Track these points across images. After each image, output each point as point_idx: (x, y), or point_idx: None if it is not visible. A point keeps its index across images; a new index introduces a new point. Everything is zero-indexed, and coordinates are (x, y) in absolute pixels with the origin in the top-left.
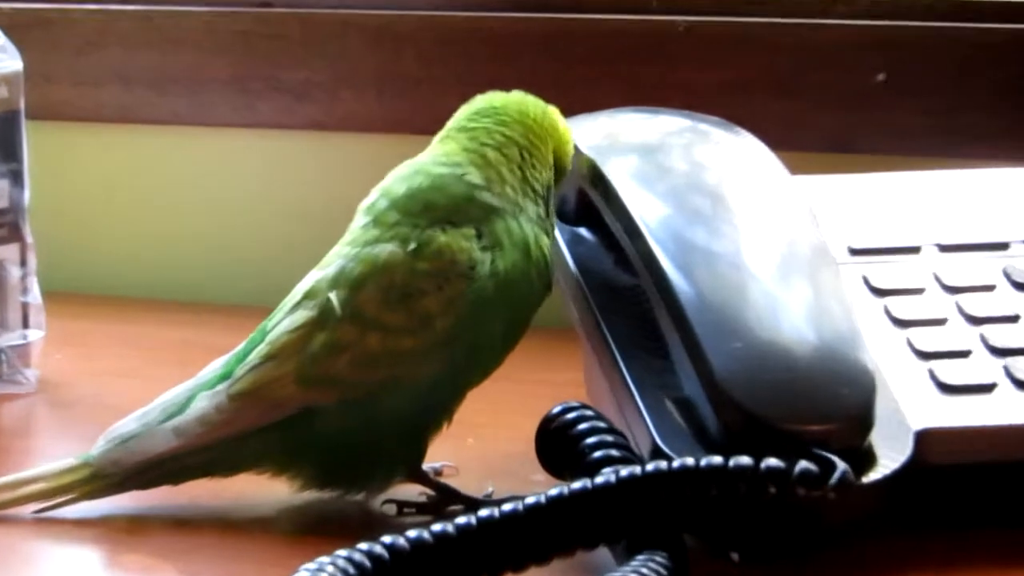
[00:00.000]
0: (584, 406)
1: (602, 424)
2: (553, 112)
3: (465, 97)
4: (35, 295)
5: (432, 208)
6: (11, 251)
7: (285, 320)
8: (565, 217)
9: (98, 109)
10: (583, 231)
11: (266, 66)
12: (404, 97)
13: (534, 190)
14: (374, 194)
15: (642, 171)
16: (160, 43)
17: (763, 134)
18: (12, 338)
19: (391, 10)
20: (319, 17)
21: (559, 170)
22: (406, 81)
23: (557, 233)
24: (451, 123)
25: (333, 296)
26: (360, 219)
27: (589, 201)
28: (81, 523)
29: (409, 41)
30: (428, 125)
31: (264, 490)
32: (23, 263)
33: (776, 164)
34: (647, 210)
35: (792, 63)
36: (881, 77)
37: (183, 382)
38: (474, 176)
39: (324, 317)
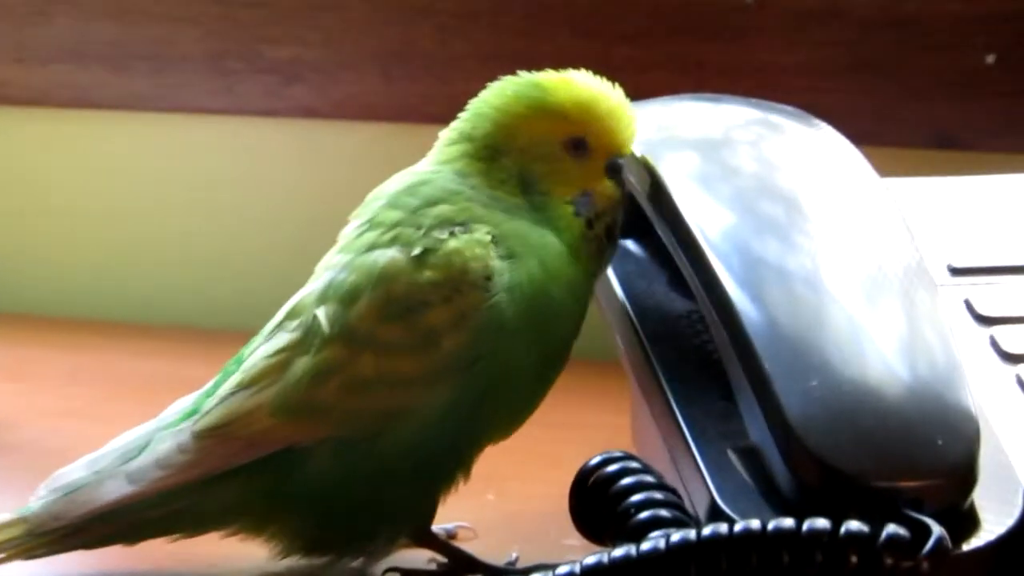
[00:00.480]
0: (629, 456)
1: (650, 478)
2: (556, 86)
3: (489, 80)
4: None
5: (433, 204)
6: None
7: (264, 344)
8: (600, 259)
9: (46, 91)
10: (631, 244)
11: (249, 40)
12: (416, 79)
13: (502, 182)
14: (368, 198)
15: (701, 172)
16: (120, 13)
17: (848, 127)
18: None
19: None
20: None
21: (587, 151)
22: (418, 60)
23: None
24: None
25: (320, 312)
26: (353, 223)
27: (638, 208)
28: None
29: (423, 12)
30: (444, 113)
31: (238, 555)
32: None
33: (863, 164)
34: (707, 219)
35: (883, 43)
36: (991, 59)
37: (144, 423)
38: (447, 172)
39: (309, 337)
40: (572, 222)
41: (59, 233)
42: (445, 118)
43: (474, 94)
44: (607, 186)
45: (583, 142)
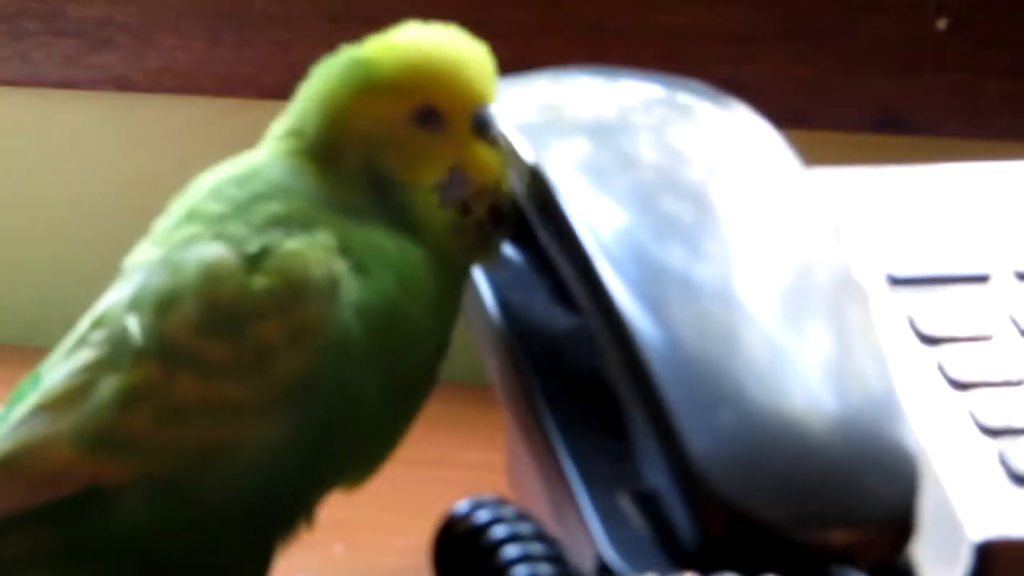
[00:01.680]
0: (502, 501)
1: (528, 528)
2: (383, 54)
3: (337, 43)
4: None
5: (263, 199)
6: None
7: (65, 362)
8: (486, 244)
9: None
10: (506, 249)
11: None
12: (251, 43)
13: (349, 186)
14: (187, 189)
15: (591, 163)
16: None
17: (772, 105)
18: None
19: None
20: None
21: (440, 120)
22: (253, 21)
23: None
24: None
25: (130, 321)
26: (168, 216)
27: (515, 207)
28: None
29: None
30: (284, 84)
31: None
32: None
33: (786, 152)
34: (598, 219)
35: (815, 3)
36: (943, 24)
37: None
38: (283, 167)
39: (117, 352)
40: (438, 216)
41: None
42: (285, 91)
43: (318, 60)
44: (479, 152)
45: (432, 110)
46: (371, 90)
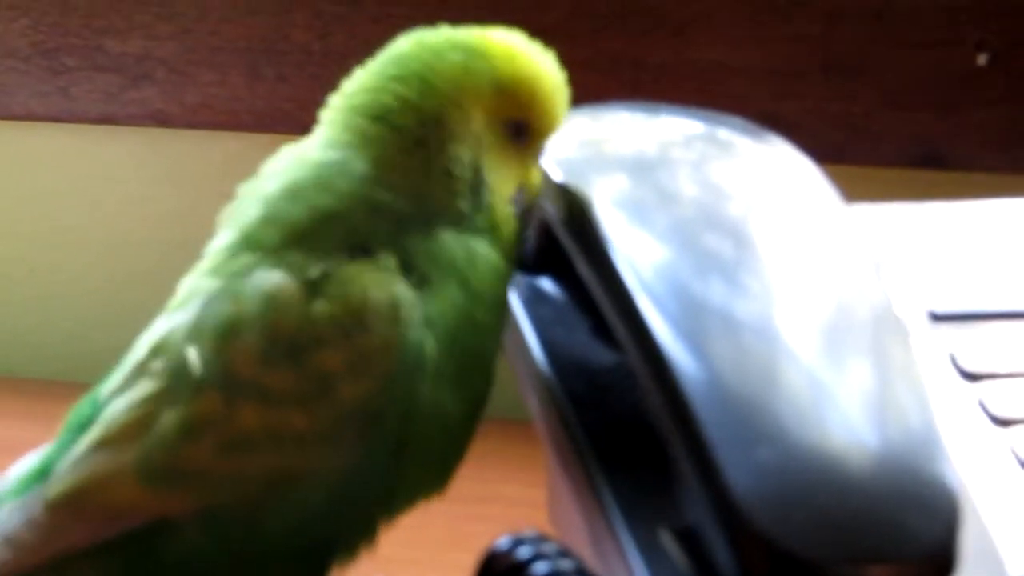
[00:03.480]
0: (543, 538)
1: (568, 564)
2: (497, 40)
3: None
4: None
5: (327, 220)
6: None
7: (125, 391)
8: (521, 262)
9: None
10: (546, 284)
11: (87, 32)
12: (289, 80)
13: (451, 179)
14: (242, 198)
15: (633, 199)
16: None
17: (813, 141)
18: None
19: None
20: None
21: (526, 136)
22: (292, 57)
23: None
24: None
25: (191, 352)
26: (225, 235)
27: (555, 240)
28: None
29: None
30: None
31: None
32: None
33: (827, 188)
34: (639, 255)
35: (855, 39)
36: (983, 59)
37: None
38: (360, 163)
39: (178, 384)
40: (511, 224)
41: None
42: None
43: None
44: (535, 175)
45: (524, 125)
46: (495, 88)
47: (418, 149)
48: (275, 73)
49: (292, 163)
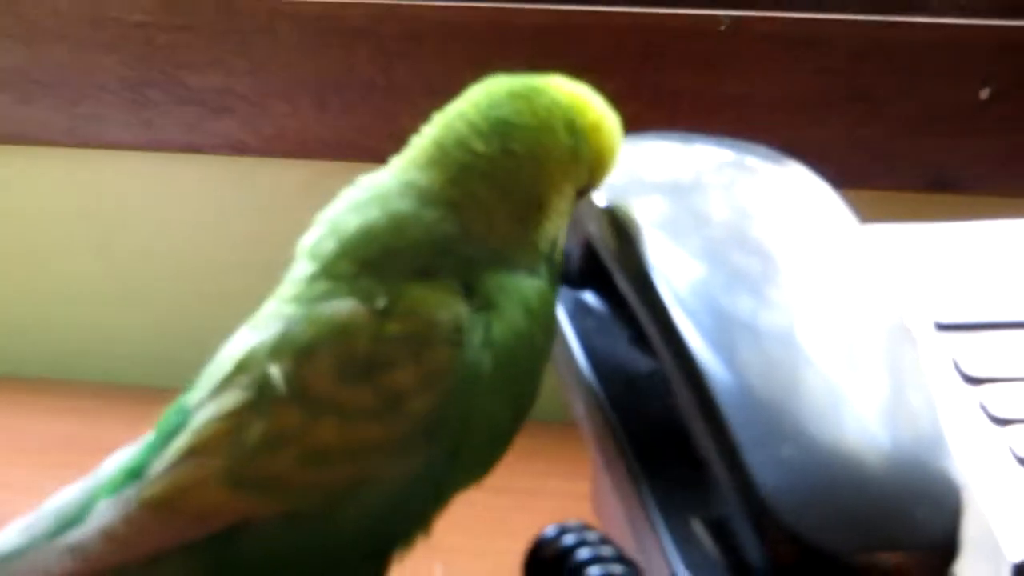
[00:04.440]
0: (586, 527)
1: (610, 551)
2: (593, 117)
3: (435, 111)
4: None
5: (396, 256)
6: None
7: (212, 402)
8: (567, 277)
9: None
10: (590, 297)
11: (170, 68)
12: (355, 111)
13: (536, 246)
14: (319, 229)
15: (667, 220)
16: (28, 35)
17: (833, 167)
18: None
19: None
20: (241, 4)
21: (584, 195)
22: (357, 89)
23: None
24: (440, 120)
25: (274, 370)
26: (304, 265)
27: (597, 258)
28: None
29: (363, 36)
30: (386, 147)
31: None
32: None
33: (843, 210)
34: (673, 271)
35: (869, 74)
36: (986, 93)
37: (70, 485)
38: (450, 223)
39: (261, 398)
40: (561, 256)
41: None
42: (386, 155)
43: (419, 126)
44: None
45: (589, 189)
46: (579, 159)
47: (515, 223)
48: (341, 105)
49: (368, 199)
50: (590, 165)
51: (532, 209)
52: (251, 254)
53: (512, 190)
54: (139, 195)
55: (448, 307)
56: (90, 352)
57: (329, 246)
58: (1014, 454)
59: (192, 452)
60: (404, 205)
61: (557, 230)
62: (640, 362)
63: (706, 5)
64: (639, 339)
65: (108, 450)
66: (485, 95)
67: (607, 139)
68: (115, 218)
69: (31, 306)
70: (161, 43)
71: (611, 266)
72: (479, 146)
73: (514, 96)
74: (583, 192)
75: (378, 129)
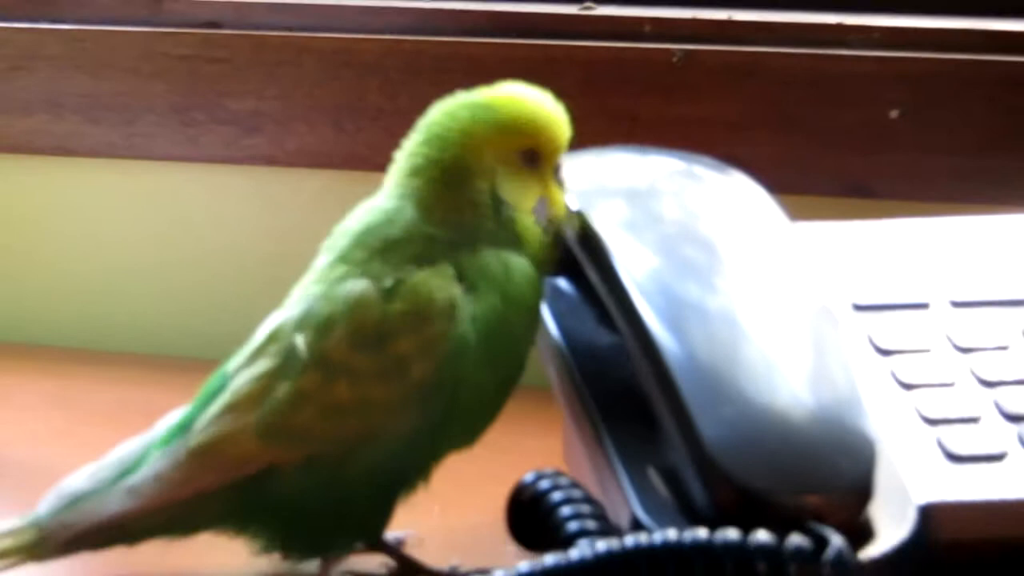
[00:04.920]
0: (559, 474)
1: (579, 494)
2: (503, 103)
3: None
4: None
5: (396, 243)
6: None
7: (247, 368)
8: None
9: (27, 138)
10: (563, 283)
11: (211, 94)
12: (365, 130)
13: (475, 205)
14: (336, 232)
15: (626, 218)
16: (93, 67)
17: (765, 176)
18: None
19: (353, 33)
20: (271, 40)
21: (538, 159)
22: (368, 113)
23: None
24: (406, 141)
25: (298, 340)
26: (324, 256)
27: (569, 251)
28: None
29: (372, 68)
30: (389, 160)
31: (221, 559)
32: None
33: (776, 210)
34: (631, 261)
35: (798, 98)
36: (895, 114)
37: (130, 439)
38: (409, 209)
39: (288, 364)
40: (535, 233)
41: (41, 269)
42: (393, 160)
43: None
44: (555, 190)
45: (535, 152)
46: (499, 128)
47: (447, 191)
48: (354, 126)
49: (368, 211)
50: (507, 128)
51: (452, 174)
52: (278, 248)
53: (433, 170)
54: (185, 199)
55: (444, 288)
56: (148, 330)
57: (342, 241)
58: (919, 414)
59: (230, 409)
60: (393, 206)
61: (486, 190)
62: (605, 337)
63: (662, 41)
64: (604, 318)
65: (160, 412)
66: (429, 113)
67: (522, 105)
68: (164, 219)
69: (96, 293)
70: (203, 73)
71: (580, 257)
72: (410, 148)
73: (436, 106)
74: (533, 156)
75: (384, 145)
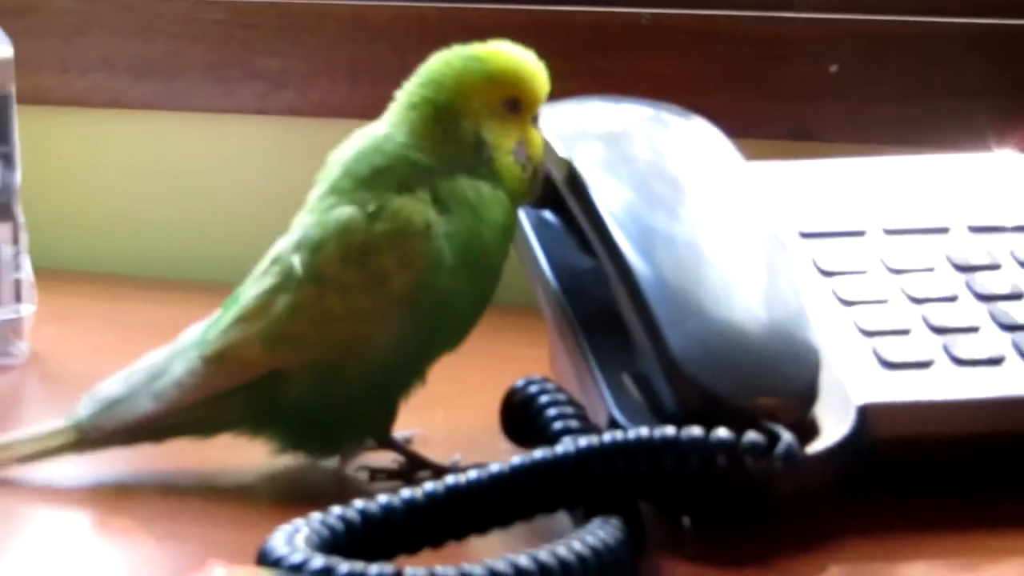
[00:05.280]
0: (546, 380)
1: (563, 397)
2: (492, 57)
3: None
4: (27, 272)
5: (380, 172)
6: (3, 230)
7: (253, 286)
8: (533, 199)
9: (84, 94)
10: (548, 214)
11: (243, 54)
12: (377, 85)
13: (460, 142)
14: (329, 162)
15: (603, 157)
16: (141, 31)
17: (723, 122)
18: (5, 312)
19: (366, 1)
20: (296, 7)
21: (519, 107)
22: (379, 70)
23: (523, 216)
24: (405, 85)
25: (295, 259)
26: (317, 188)
27: (555, 187)
28: (71, 488)
29: (384, 31)
30: None
31: (245, 457)
32: (15, 241)
33: (732, 151)
34: (608, 195)
35: (751, 55)
36: (834, 68)
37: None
38: (400, 135)
39: (287, 280)
40: (514, 170)
41: (98, 207)
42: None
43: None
44: (534, 134)
45: (517, 101)
46: (484, 79)
47: (437, 126)
48: (368, 81)
49: (361, 139)
50: (492, 78)
51: (443, 112)
52: (301, 188)
53: (427, 106)
54: (220, 146)
55: (420, 212)
56: (188, 259)
57: (334, 172)
58: (857, 327)
59: (238, 321)
60: (384, 133)
61: (471, 130)
62: (585, 262)
63: (633, 6)
64: (584, 245)
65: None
66: (429, 61)
67: (506, 59)
68: (201, 163)
69: (143, 226)
70: (236, 36)
71: (565, 193)
72: (408, 87)
73: (438, 55)
74: (515, 104)
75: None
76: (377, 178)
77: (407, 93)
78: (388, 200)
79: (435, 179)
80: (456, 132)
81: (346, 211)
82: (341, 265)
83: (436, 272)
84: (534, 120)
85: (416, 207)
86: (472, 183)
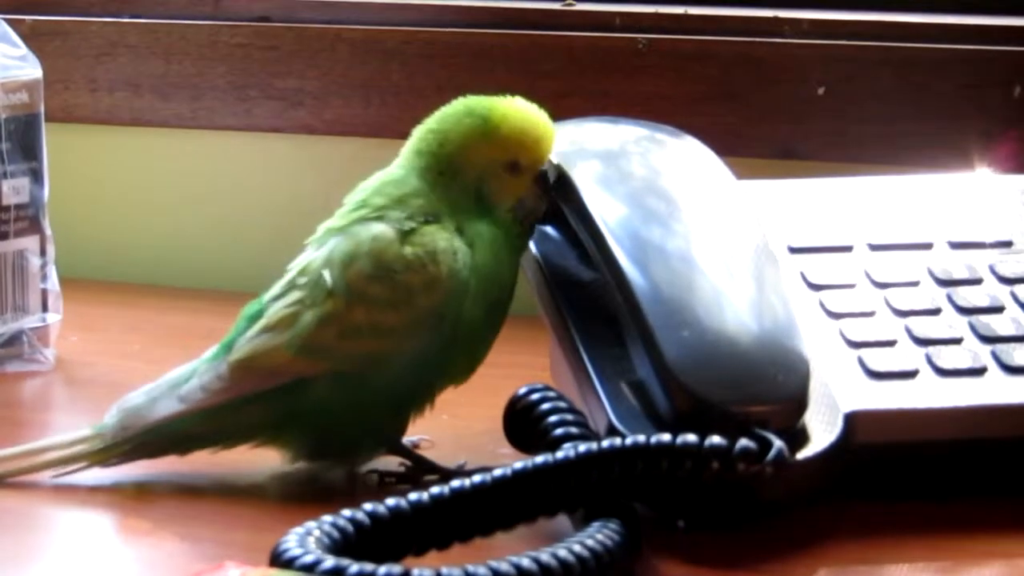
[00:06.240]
0: (547, 388)
1: (564, 404)
2: (503, 110)
3: (441, 106)
4: (53, 282)
5: (409, 198)
6: (32, 242)
7: (282, 297)
8: (528, 244)
9: (110, 112)
10: (550, 229)
11: (262, 75)
12: (388, 104)
13: (463, 192)
14: (357, 188)
15: (602, 175)
16: (166, 53)
17: (714, 142)
18: (32, 321)
19: (379, 25)
20: (312, 31)
21: (520, 169)
22: (391, 90)
23: None
24: (416, 130)
25: (325, 273)
26: (345, 207)
27: (555, 202)
28: (93, 490)
29: (395, 53)
30: (409, 129)
31: (259, 461)
32: (43, 253)
33: (724, 170)
34: (606, 211)
35: (742, 78)
36: (821, 91)
37: (184, 362)
38: (413, 180)
39: (316, 292)
40: (512, 224)
41: (123, 220)
42: (411, 134)
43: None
44: (533, 191)
45: (518, 164)
46: (490, 139)
47: (441, 178)
48: (380, 101)
49: (382, 175)
50: (496, 142)
51: (446, 166)
52: (317, 202)
53: (432, 158)
54: (240, 162)
55: (449, 239)
56: (207, 268)
57: (361, 195)
58: (844, 337)
59: (266, 329)
60: (401, 176)
61: (479, 187)
62: (584, 273)
63: (630, 31)
64: (584, 258)
65: (215, 334)
66: (448, 107)
67: (511, 125)
68: (222, 178)
69: (165, 238)
70: (256, 58)
71: (565, 209)
72: (420, 132)
73: (455, 103)
74: (515, 167)
75: (404, 117)
76: (408, 201)
77: (416, 138)
78: (420, 224)
79: (456, 217)
80: (458, 184)
81: (379, 227)
82: (370, 280)
83: (460, 297)
84: (538, 180)
85: (445, 234)
86: (486, 226)
